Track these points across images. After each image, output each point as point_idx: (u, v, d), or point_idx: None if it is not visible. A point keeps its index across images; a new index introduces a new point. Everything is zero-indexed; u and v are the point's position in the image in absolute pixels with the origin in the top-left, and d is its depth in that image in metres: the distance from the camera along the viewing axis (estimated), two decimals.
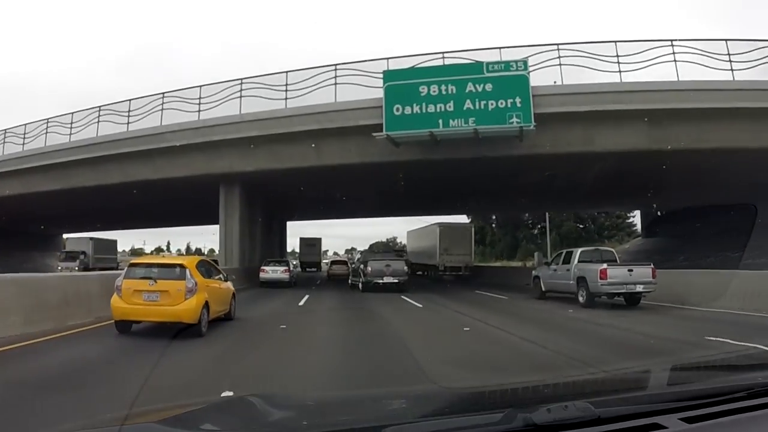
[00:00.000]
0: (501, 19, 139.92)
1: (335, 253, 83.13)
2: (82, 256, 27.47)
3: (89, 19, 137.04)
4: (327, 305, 15.83)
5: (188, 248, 71.59)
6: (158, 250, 69.98)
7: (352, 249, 69.07)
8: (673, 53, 17.91)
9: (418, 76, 17.50)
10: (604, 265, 13.81)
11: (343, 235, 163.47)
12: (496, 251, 51.35)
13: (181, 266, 8.78)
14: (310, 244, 49.56)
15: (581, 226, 45.90)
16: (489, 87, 17.07)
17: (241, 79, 19.71)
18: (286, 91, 18.92)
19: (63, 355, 7.20)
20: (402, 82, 17.43)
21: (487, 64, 17.33)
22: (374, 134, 16.81)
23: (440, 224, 32.07)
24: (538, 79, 17.59)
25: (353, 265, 26.11)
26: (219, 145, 19.71)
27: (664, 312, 12.74)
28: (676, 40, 18.19)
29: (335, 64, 18.57)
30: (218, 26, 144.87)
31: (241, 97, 19.54)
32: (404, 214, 42.01)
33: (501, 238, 51.20)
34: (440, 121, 16.91)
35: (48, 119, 24.64)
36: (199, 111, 20.19)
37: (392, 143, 17.21)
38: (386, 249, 37.31)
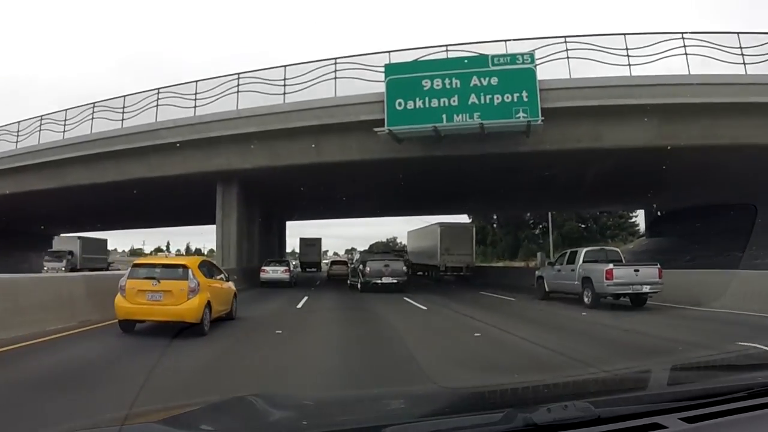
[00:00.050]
0: (506, 11, 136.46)
1: (335, 254, 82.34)
2: (69, 256, 26.49)
3: (85, 16, 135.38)
4: (327, 306, 15.13)
5: (188, 248, 70.87)
6: (158, 250, 69.24)
7: (352, 249, 68.28)
8: (684, 46, 17.22)
9: (421, 69, 16.75)
10: (610, 266, 13.45)
11: (343, 236, 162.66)
12: (498, 251, 50.55)
13: (184, 266, 8.84)
14: (310, 245, 49.27)
15: (583, 225, 45.13)
16: (494, 81, 16.33)
17: (239, 73, 18.98)
18: (285, 86, 18.18)
19: (36, 364, 6.51)
20: (404, 76, 16.69)
21: (493, 57, 16.59)
22: (375, 129, 16.06)
23: (441, 224, 31.48)
24: (544, 72, 16.88)
25: (352, 266, 25.63)
26: (215, 141, 18.96)
27: (676, 313, 12.25)
28: (686, 32, 17.54)
29: (335, 58, 17.84)
30: (215, 19, 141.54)
31: (238, 92, 18.79)
32: (404, 214, 41.33)
33: (502, 238, 50.39)
34: (444, 116, 16.17)
35: (42, 116, 23.91)
36: (195, 107, 19.44)
37: (394, 139, 16.45)
38: (385, 249, 36.60)
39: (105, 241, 33.32)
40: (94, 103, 22.09)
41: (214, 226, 21.98)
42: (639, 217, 42.08)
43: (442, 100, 16.32)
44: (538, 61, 16.70)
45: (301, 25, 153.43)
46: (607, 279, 13.16)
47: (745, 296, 11.92)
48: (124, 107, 21.03)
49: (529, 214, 47.50)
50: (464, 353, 7.27)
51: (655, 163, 19.08)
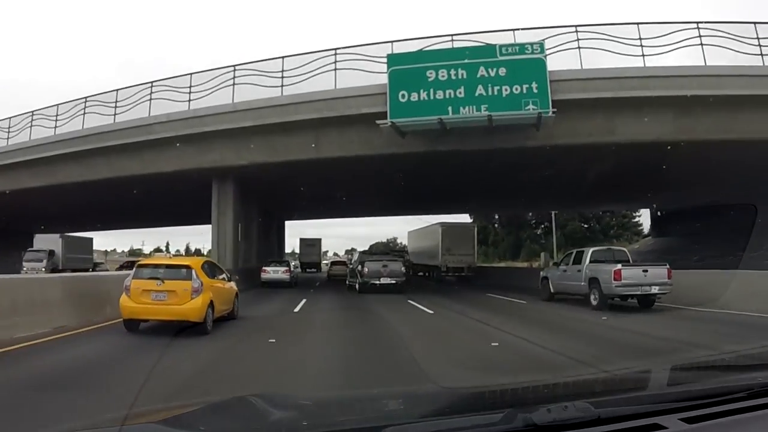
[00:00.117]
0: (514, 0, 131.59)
1: (335, 254, 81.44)
2: (50, 256, 25.22)
3: (79, 12, 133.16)
4: (327, 308, 14.12)
5: (188, 249, 69.75)
6: (157, 250, 68.10)
7: (352, 249, 67.16)
8: (699, 36, 16.24)
9: (425, 60, 15.70)
10: (619, 266, 12.98)
11: (343, 236, 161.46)
12: (499, 252, 49.39)
13: (188, 267, 8.95)
14: (310, 245, 49.24)
15: (586, 225, 44.03)
16: (503, 71, 15.28)
17: (234, 65, 17.95)
18: (282, 78, 17.12)
19: None
20: (408, 67, 15.65)
21: (501, 47, 15.55)
22: (378, 122, 15.00)
23: (442, 224, 30.70)
24: (554, 63, 15.86)
25: (350, 266, 25.01)
26: (210, 136, 17.92)
27: (694, 316, 11.56)
28: (702, 22, 16.49)
29: (335, 49, 16.80)
30: (210, 8, 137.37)
31: (234, 84, 17.73)
32: (405, 213, 40.31)
33: (504, 238, 49.24)
34: (450, 109, 15.13)
35: (33, 112, 22.89)
36: (189, 100, 18.40)
37: (397, 133, 15.39)
38: (384, 249, 35.71)
39: (90, 240, 31.74)
40: (86, 97, 21.09)
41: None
42: (642, 217, 41.19)
43: (447, 91, 15.28)
44: (547, 52, 15.69)
45: (299, 15, 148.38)
46: (615, 280, 12.68)
47: (758, 297, 11.47)
48: (116, 102, 20.01)
49: (531, 214, 46.41)
50: (485, 372, 6.26)
51: (665, 160, 18.17)
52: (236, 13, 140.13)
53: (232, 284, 10.81)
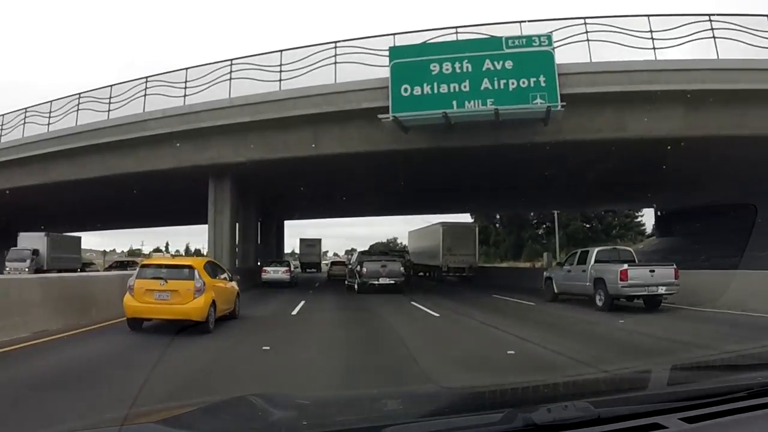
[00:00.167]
0: None
1: (335, 254, 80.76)
2: (34, 256, 24.30)
3: (77, 10, 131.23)
4: (326, 310, 13.44)
5: (187, 249, 68.94)
6: (156, 250, 67.38)
7: (352, 250, 66.32)
8: (711, 29, 15.54)
9: (428, 52, 15.01)
10: (625, 266, 12.70)
11: (343, 236, 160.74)
12: (500, 252, 48.59)
13: (190, 267, 9.04)
14: (310, 245, 48.92)
15: (588, 225, 43.28)
16: (509, 64, 14.59)
17: (231, 59, 17.23)
18: (281, 72, 16.42)
19: None
20: (410, 60, 14.94)
21: (507, 39, 14.86)
22: (379, 116, 14.29)
23: (443, 224, 30.07)
24: (562, 57, 15.17)
25: (349, 266, 24.53)
26: (207, 133, 17.20)
27: (710, 317, 11.10)
28: (713, 14, 15.81)
29: (335, 42, 16.10)
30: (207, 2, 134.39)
31: (230, 79, 17.02)
32: (405, 213, 39.67)
33: (505, 239, 48.44)
34: (454, 103, 14.43)
35: (26, 109, 22.15)
36: (185, 96, 17.68)
37: (400, 128, 14.68)
38: (387, 250, 35.08)
39: (78, 239, 30.44)
40: (79, 93, 20.37)
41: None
42: (645, 217, 40.54)
43: (452, 85, 14.57)
44: (555, 44, 14.99)
45: (298, 7, 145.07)
46: (621, 280, 12.38)
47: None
48: (110, 98, 19.29)
49: (532, 214, 45.68)
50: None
51: (672, 157, 17.51)
52: (234, 6, 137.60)
53: (234, 284, 10.87)
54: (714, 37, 15.43)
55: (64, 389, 5.17)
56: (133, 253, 62.81)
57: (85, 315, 9.49)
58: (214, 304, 8.92)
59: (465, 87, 14.52)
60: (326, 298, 17.38)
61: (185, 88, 17.71)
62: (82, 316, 9.35)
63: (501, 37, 14.96)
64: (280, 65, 16.43)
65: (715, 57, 15.21)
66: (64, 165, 20.21)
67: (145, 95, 18.47)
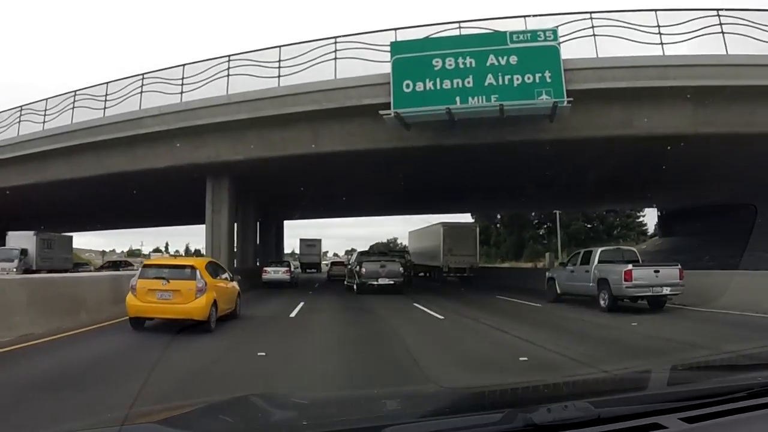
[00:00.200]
0: None
1: (335, 254, 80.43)
2: (22, 256, 23.66)
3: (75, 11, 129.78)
4: (326, 312, 12.93)
5: (187, 249, 68.32)
6: (156, 251, 66.84)
7: (352, 250, 65.87)
8: (720, 24, 15.06)
9: (431, 47, 14.53)
10: (629, 266, 12.50)
11: (343, 236, 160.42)
12: (501, 252, 48.00)
13: (192, 267, 9.06)
14: (311, 245, 48.79)
15: (589, 225, 42.73)
16: (514, 60, 14.11)
17: (229, 55, 16.72)
18: (279, 68, 15.92)
19: None
20: (413, 55, 14.46)
21: (511, 33, 14.38)
22: (381, 112, 13.80)
23: (444, 224, 29.70)
24: (568, 52, 14.68)
25: (348, 266, 24.27)
26: (204, 130, 16.71)
27: (723, 319, 10.78)
28: (722, 9, 15.34)
29: (335, 37, 15.58)
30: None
31: (228, 75, 16.52)
32: (405, 213, 39.18)
33: (506, 239, 47.86)
34: (457, 99, 13.96)
35: (21, 107, 21.63)
36: (181, 93, 17.17)
37: (401, 124, 14.19)
38: (387, 250, 34.67)
39: (69, 238, 29.49)
40: (75, 91, 19.87)
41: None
42: (647, 217, 40.05)
43: (455, 81, 14.10)
44: (561, 39, 14.52)
45: (298, 2, 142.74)
46: (625, 280, 12.20)
47: None
48: (106, 95, 18.78)
49: (533, 214, 45.14)
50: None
51: (679, 155, 17.09)
52: (232, 0, 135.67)
53: (234, 284, 10.90)
54: (722, 33, 14.98)
55: (43, 400, 4.68)
56: (132, 253, 62.24)
57: (72, 318, 8.99)
58: (215, 303, 8.95)
59: (468, 83, 14.05)
60: (326, 299, 16.89)
61: (182, 85, 17.21)
62: (68, 319, 8.85)
63: (505, 32, 14.48)
64: (279, 61, 15.94)
65: (724, 53, 14.81)
66: (60, 163, 19.72)
67: (141, 92, 17.97)
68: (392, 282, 18.53)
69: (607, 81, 14.33)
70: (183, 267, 9.18)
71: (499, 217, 48.41)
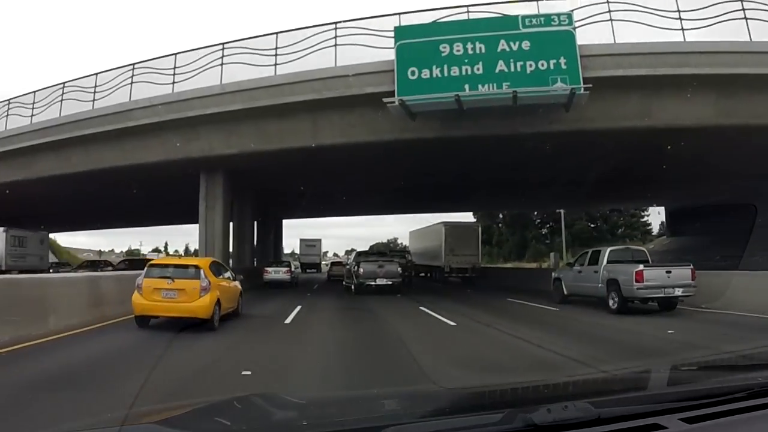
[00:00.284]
0: None
1: (335, 254, 79.35)
2: None
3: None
4: (325, 317, 11.80)
5: (187, 249, 67.12)
6: (155, 251, 65.62)
7: (352, 250, 64.70)
8: (743, 9, 13.97)
9: (438, 32, 13.42)
10: (641, 267, 12.02)
11: (343, 236, 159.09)
12: (504, 252, 46.78)
13: (196, 267, 9.19)
14: (311, 245, 48.58)
15: (592, 225, 41.57)
16: (526, 45, 12.99)
17: (223, 43, 15.59)
18: (276, 56, 14.79)
19: None
20: (418, 40, 13.33)
21: (523, 18, 13.26)
22: (385, 100, 12.66)
23: (446, 223, 28.77)
24: (583, 38, 13.58)
25: (347, 266, 23.67)
26: (196, 122, 15.58)
27: (749, 323, 10.10)
28: None
29: (335, 23, 14.46)
30: None
31: (222, 64, 15.39)
32: (406, 212, 38.09)
33: (508, 238, 46.63)
34: (466, 86, 12.81)
35: (9, 100, 20.53)
36: (173, 83, 16.04)
37: (407, 113, 13.05)
38: (383, 250, 33.71)
39: (45, 236, 27.75)
40: (63, 83, 18.73)
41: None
42: (651, 216, 38.98)
43: (464, 67, 12.96)
44: (576, 24, 13.40)
45: None
46: (636, 281, 11.71)
47: None
48: (95, 86, 17.65)
49: (536, 213, 43.98)
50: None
51: (695, 149, 16.04)
52: None
53: (237, 283, 10.94)
54: (746, 18, 13.92)
55: None
56: (131, 253, 61.02)
57: (39, 324, 7.83)
58: (218, 302, 9.02)
59: (478, 69, 12.92)
60: (325, 302, 15.77)
61: (174, 75, 16.08)
62: (34, 326, 7.69)
63: (517, 16, 13.36)
64: (276, 49, 14.81)
65: (747, 39, 13.75)
66: (50, 158, 18.59)
67: (131, 83, 16.85)
68: (390, 282, 18.19)
69: (626, 68, 13.23)
70: (187, 266, 9.30)
71: (501, 216, 47.26)
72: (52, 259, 35.17)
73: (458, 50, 13.08)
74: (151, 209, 30.58)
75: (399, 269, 19.21)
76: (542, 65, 12.85)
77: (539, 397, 1.93)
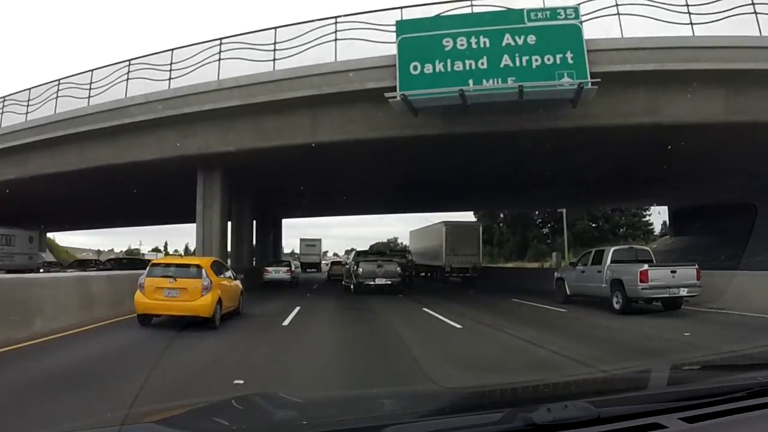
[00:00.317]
0: None
1: (335, 254, 78.95)
2: None
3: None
4: (324, 319, 11.37)
5: (186, 249, 66.59)
6: (155, 250, 65.15)
7: (352, 250, 64.22)
8: (753, 4, 13.57)
9: (441, 26, 12.98)
10: (645, 266, 11.83)
11: (343, 236, 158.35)
12: (505, 252, 46.30)
13: (198, 266, 9.23)
14: (311, 245, 48.41)
15: (594, 225, 41.11)
16: (532, 39, 12.57)
17: (221, 38, 15.15)
18: (275, 51, 14.36)
19: None
20: (421, 35, 12.90)
21: (529, 11, 12.84)
22: (386, 94, 12.22)
23: (446, 223, 28.38)
24: (589, 32, 13.18)
25: (346, 266, 23.51)
26: (193, 119, 15.14)
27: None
28: None
29: (335, 17, 14.02)
30: None
31: (219, 60, 14.96)
32: (406, 211, 37.63)
33: (509, 238, 46.14)
34: (471, 82, 12.38)
35: (4, 97, 20.10)
36: (170, 79, 15.61)
37: (409, 109, 12.61)
38: (382, 250, 33.40)
39: (35, 235, 27.10)
40: (59, 79, 18.30)
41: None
42: (653, 216, 38.55)
43: (468, 62, 12.54)
44: (582, 18, 12.99)
45: None
46: (641, 281, 11.53)
47: None
48: (91, 83, 17.22)
49: (537, 213, 43.52)
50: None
51: (697, 148, 15.67)
52: None
53: (238, 282, 10.99)
54: (755, 13, 13.52)
55: None
56: (131, 252, 60.54)
57: (25, 327, 7.40)
58: (220, 301, 9.06)
59: (482, 64, 12.50)
60: (324, 303, 15.34)
61: (170, 71, 15.64)
62: (18, 329, 7.25)
63: (522, 9, 12.94)
64: (274, 44, 14.39)
65: (757, 34, 13.35)
66: (44, 156, 18.14)
67: (127, 79, 16.41)
68: (389, 282, 18.00)
69: (633, 63, 12.81)
70: (189, 266, 9.36)
71: (502, 216, 46.82)
72: (50, 258, 34.69)
73: (462, 45, 12.67)
74: (150, 208, 30.16)
75: (398, 269, 19.00)
76: (548, 60, 12.43)
77: (539, 396, 1.92)
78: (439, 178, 21.87)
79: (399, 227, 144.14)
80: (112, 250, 63.64)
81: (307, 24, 14.23)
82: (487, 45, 12.59)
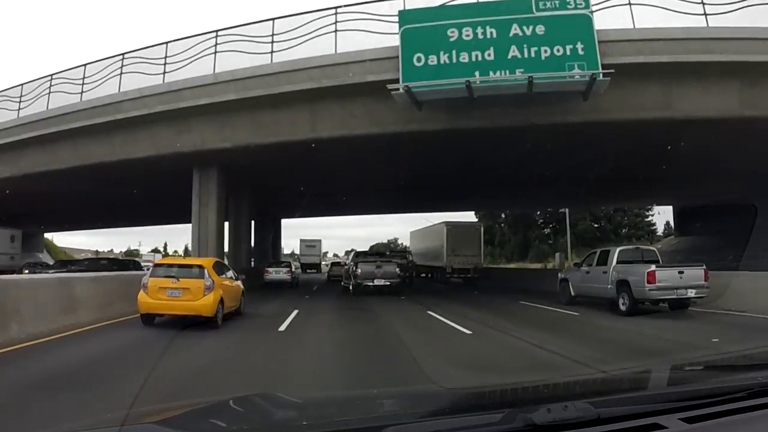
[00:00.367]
0: None
1: (335, 255, 78.37)
2: None
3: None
4: (323, 323, 10.73)
5: (186, 249, 65.85)
6: (154, 251, 64.47)
7: (352, 250, 63.46)
8: None
9: (446, 16, 12.34)
10: (653, 267, 11.54)
11: (343, 237, 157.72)
12: (506, 252, 45.63)
13: (200, 266, 9.32)
14: (311, 246, 48.20)
15: (596, 225, 40.47)
16: (541, 30, 11.93)
17: (216, 30, 14.53)
18: (272, 43, 13.73)
19: None
20: (425, 25, 12.26)
21: (537, 0, 12.19)
22: (389, 86, 11.57)
23: (447, 223, 27.94)
24: (600, 22, 12.55)
25: (345, 267, 23.25)
26: (188, 114, 14.52)
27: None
28: None
29: (335, 7, 13.39)
30: None
31: (215, 53, 14.34)
32: (407, 211, 37.03)
33: (511, 239, 45.47)
34: (477, 74, 11.75)
35: None
36: (164, 73, 14.98)
37: (413, 102, 11.97)
38: (382, 250, 32.89)
39: (18, 234, 26.12)
40: (51, 75, 17.66)
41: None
42: (656, 216, 37.92)
43: (474, 53, 11.89)
44: (593, 8, 12.37)
45: None
46: (648, 282, 11.20)
47: None
48: (84, 78, 16.58)
49: (538, 213, 42.88)
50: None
51: (706, 145, 15.07)
52: None
53: (239, 283, 11.03)
54: None
55: None
56: (130, 253, 59.82)
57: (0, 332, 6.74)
58: (222, 301, 9.13)
59: (489, 55, 11.86)
60: (324, 304, 14.71)
61: (165, 64, 15.02)
62: None
63: None
64: (272, 35, 13.76)
65: None
66: (37, 153, 17.51)
67: (121, 74, 15.77)
68: (388, 283, 17.87)
69: (646, 55, 12.20)
70: (191, 266, 9.42)
71: (503, 216, 46.17)
72: (47, 259, 33.98)
73: (468, 35, 12.02)
74: (149, 208, 29.59)
75: (397, 270, 18.76)
76: (558, 51, 11.80)
77: (539, 397, 1.91)
78: (441, 177, 21.27)
79: (399, 227, 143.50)
80: (112, 250, 62.99)
81: (306, 15, 13.60)
82: (494, 35, 11.96)
